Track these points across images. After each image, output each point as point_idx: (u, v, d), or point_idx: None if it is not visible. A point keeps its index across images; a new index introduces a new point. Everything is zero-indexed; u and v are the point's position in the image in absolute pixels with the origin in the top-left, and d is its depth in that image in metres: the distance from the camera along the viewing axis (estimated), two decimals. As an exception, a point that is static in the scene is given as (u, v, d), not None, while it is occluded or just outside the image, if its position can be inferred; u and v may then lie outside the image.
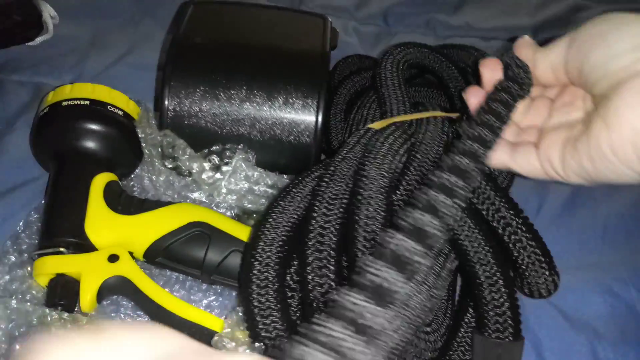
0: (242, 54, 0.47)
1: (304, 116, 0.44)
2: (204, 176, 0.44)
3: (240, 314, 0.35)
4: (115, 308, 0.40)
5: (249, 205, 0.44)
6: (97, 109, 0.43)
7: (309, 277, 0.33)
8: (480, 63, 0.35)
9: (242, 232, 0.40)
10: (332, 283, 0.32)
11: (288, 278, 0.35)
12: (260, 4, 0.58)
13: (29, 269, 0.40)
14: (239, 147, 0.44)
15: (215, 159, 0.44)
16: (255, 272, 0.33)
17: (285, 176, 0.46)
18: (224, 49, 0.47)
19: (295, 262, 0.35)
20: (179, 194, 0.45)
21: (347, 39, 0.65)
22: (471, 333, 0.33)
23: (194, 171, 0.44)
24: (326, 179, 0.36)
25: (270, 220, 0.35)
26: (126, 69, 0.58)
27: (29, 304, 0.37)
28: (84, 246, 0.39)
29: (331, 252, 0.34)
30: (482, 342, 0.31)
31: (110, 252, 0.39)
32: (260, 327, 0.31)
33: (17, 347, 0.34)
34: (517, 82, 0.33)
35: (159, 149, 0.44)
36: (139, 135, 0.44)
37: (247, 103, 0.44)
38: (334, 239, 0.34)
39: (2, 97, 0.54)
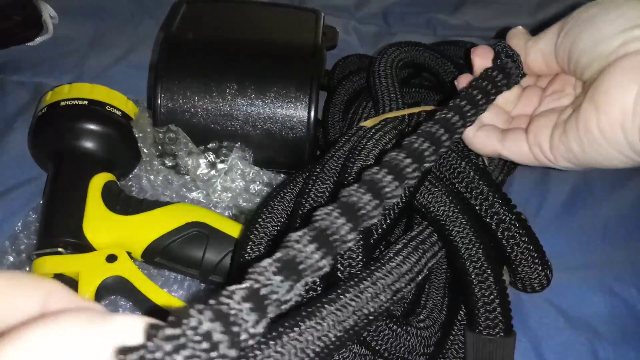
0: (234, 50, 0.47)
1: (296, 110, 0.44)
2: (199, 172, 0.44)
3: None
4: (113, 308, 0.40)
5: (244, 204, 0.44)
6: (95, 109, 0.43)
7: None
8: (472, 51, 0.35)
9: (239, 232, 0.40)
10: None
11: None
12: (254, 0, 0.58)
13: (28, 269, 0.40)
14: (236, 145, 0.44)
15: (212, 155, 0.44)
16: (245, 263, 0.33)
17: (281, 175, 0.46)
18: (216, 45, 0.47)
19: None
20: (177, 194, 0.45)
21: (347, 39, 0.65)
22: (463, 330, 0.33)
23: (190, 167, 0.44)
24: (313, 177, 0.36)
25: (260, 219, 0.35)
26: (126, 69, 0.58)
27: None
28: (82, 246, 0.39)
29: None
30: (474, 338, 0.31)
31: (108, 252, 0.39)
32: None
33: None
34: (505, 68, 0.33)
35: (159, 147, 0.44)
36: (137, 135, 0.44)
37: (240, 98, 0.44)
38: None
39: (2, 97, 0.54)
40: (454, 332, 0.34)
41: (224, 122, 0.44)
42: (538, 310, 0.42)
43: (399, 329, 0.32)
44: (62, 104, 0.43)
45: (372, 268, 0.30)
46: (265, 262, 0.17)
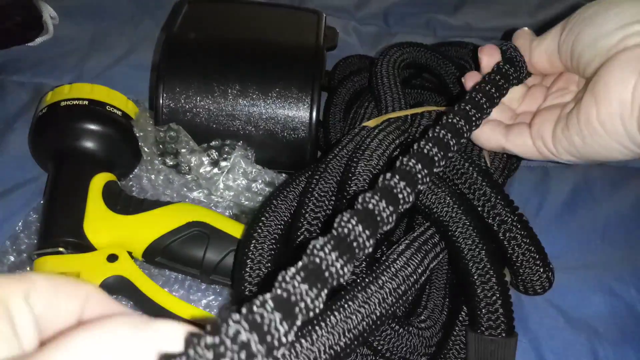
0: (235, 50, 0.47)
1: (298, 111, 0.45)
2: (201, 170, 0.44)
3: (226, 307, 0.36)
4: (114, 308, 0.40)
5: (246, 203, 0.44)
6: (95, 109, 0.43)
7: None
8: (479, 49, 0.36)
9: (240, 232, 0.40)
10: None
11: None
12: (256, 1, 0.58)
13: (28, 269, 0.40)
14: (239, 143, 0.44)
15: (214, 153, 0.44)
16: (247, 270, 0.33)
17: (283, 174, 0.46)
18: (218, 45, 0.47)
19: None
20: (178, 194, 0.45)
21: (347, 39, 0.65)
22: (465, 331, 0.33)
23: (192, 165, 0.44)
24: (317, 177, 0.36)
25: (263, 219, 0.35)
26: (126, 70, 0.58)
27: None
28: (83, 246, 0.39)
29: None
30: (476, 339, 0.31)
31: (109, 252, 0.39)
32: None
33: None
34: (511, 67, 0.34)
35: (160, 146, 0.44)
36: (137, 134, 0.44)
37: (242, 98, 0.44)
38: (325, 219, 0.34)
39: (2, 97, 0.54)
40: (455, 333, 0.34)
41: (225, 123, 0.45)
42: (538, 311, 0.42)
43: (400, 329, 0.32)
44: (63, 104, 0.43)
45: (378, 272, 0.30)
46: (291, 270, 0.17)
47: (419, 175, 0.25)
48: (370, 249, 0.21)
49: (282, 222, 0.36)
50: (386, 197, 0.22)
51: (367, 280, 0.29)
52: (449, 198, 0.34)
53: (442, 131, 0.28)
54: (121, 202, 0.41)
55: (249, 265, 0.33)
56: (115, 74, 0.57)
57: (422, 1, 0.71)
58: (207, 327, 0.14)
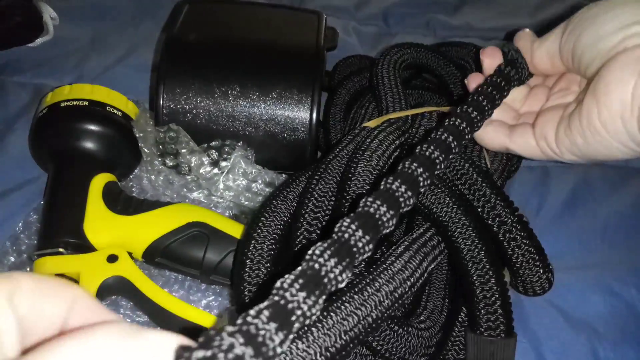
0: (236, 51, 0.47)
1: (298, 112, 0.45)
2: (201, 171, 0.44)
3: (234, 312, 0.35)
4: (114, 308, 0.40)
5: (246, 203, 0.44)
6: (95, 110, 0.43)
7: None
8: (481, 51, 0.37)
9: (240, 232, 0.40)
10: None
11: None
12: (256, 2, 0.58)
13: (29, 269, 0.40)
14: (238, 143, 0.44)
15: (214, 154, 0.44)
16: (246, 270, 0.33)
17: (283, 174, 0.46)
18: (218, 46, 0.47)
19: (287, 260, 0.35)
20: (178, 194, 0.45)
21: (347, 39, 0.65)
22: (464, 331, 0.33)
23: (193, 164, 0.44)
24: (317, 177, 0.36)
25: (263, 219, 0.36)
26: (126, 70, 0.58)
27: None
28: (83, 246, 0.39)
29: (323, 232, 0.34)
30: (475, 340, 0.31)
31: (109, 253, 0.39)
32: None
33: None
34: (513, 68, 0.35)
35: (160, 147, 0.44)
36: (137, 135, 0.44)
37: (242, 99, 0.44)
38: (325, 219, 0.34)
39: (3, 98, 0.54)
40: (454, 334, 0.34)
41: (225, 123, 0.45)
42: (538, 311, 0.42)
43: (400, 329, 0.32)
44: (63, 104, 0.43)
45: (375, 274, 0.30)
46: (289, 277, 0.17)
47: (420, 179, 0.25)
48: (369, 254, 0.21)
49: (282, 223, 0.36)
50: (387, 201, 0.22)
51: (364, 282, 0.29)
52: (448, 198, 0.34)
53: (444, 134, 0.28)
54: (121, 202, 0.41)
55: (248, 266, 0.33)
56: (115, 75, 0.57)
57: (422, 1, 0.71)
58: (200, 338, 0.14)
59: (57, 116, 0.43)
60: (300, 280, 0.17)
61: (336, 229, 0.20)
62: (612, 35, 0.29)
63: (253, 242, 0.34)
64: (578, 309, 0.42)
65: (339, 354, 0.26)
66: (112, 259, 0.39)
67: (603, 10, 0.31)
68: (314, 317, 0.17)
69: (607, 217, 0.48)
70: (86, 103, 0.43)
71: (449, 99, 0.49)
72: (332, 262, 0.18)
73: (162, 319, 0.38)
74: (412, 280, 0.31)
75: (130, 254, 0.40)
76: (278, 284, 0.17)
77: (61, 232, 0.39)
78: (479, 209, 0.34)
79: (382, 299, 0.29)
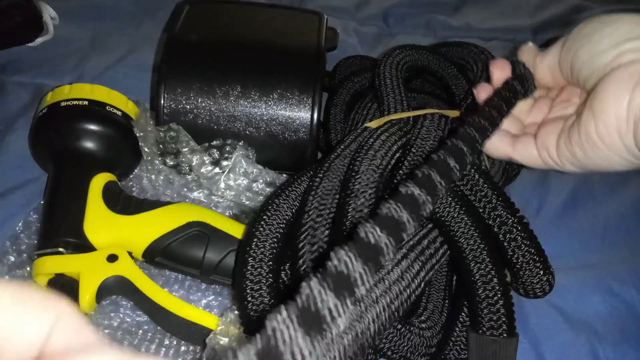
0: (237, 51, 0.47)
1: (299, 112, 0.45)
2: (203, 170, 0.44)
3: (235, 311, 0.35)
4: (114, 308, 0.40)
5: (247, 202, 0.44)
6: (95, 110, 0.43)
7: (302, 271, 0.33)
8: (491, 63, 0.38)
9: (240, 232, 0.40)
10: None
11: (282, 274, 0.35)
12: (257, 2, 0.58)
13: (29, 269, 0.40)
14: (239, 143, 0.45)
15: (215, 153, 0.44)
16: (248, 268, 0.33)
17: (284, 174, 0.46)
18: (219, 46, 0.47)
19: (289, 259, 0.35)
20: (178, 194, 0.45)
21: (347, 40, 0.65)
22: (466, 331, 0.33)
23: (194, 164, 0.44)
24: (320, 175, 0.36)
25: (265, 217, 0.36)
26: (126, 70, 0.58)
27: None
28: (83, 246, 0.39)
29: (324, 245, 0.34)
30: (477, 339, 0.32)
31: (109, 252, 0.39)
32: None
33: None
34: (521, 82, 0.36)
35: (160, 146, 0.44)
36: (138, 135, 0.44)
37: (243, 100, 0.44)
38: (326, 232, 0.34)
39: (3, 97, 0.54)
40: (455, 334, 0.34)
41: (226, 124, 0.45)
42: (538, 311, 0.42)
43: (402, 328, 0.32)
44: (63, 104, 0.43)
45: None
46: (315, 280, 0.17)
47: (439, 187, 0.26)
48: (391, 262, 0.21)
49: (284, 221, 0.36)
50: (409, 206, 0.23)
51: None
52: (450, 198, 0.35)
53: (460, 143, 0.29)
54: (121, 202, 0.41)
55: (250, 264, 0.33)
56: (115, 75, 0.57)
57: (422, 2, 0.71)
58: None
59: (57, 116, 0.43)
60: (329, 283, 0.17)
61: (359, 233, 0.20)
62: (607, 51, 0.30)
63: (255, 240, 0.34)
64: (578, 309, 0.42)
65: None
66: (112, 258, 0.39)
67: (599, 27, 0.32)
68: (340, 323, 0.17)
69: (607, 217, 0.48)
70: (86, 103, 0.43)
71: (450, 100, 0.49)
72: (359, 265, 0.18)
73: (162, 319, 0.38)
74: (410, 290, 0.31)
75: (130, 253, 0.40)
76: (269, 321, 0.16)
77: (61, 231, 0.39)
78: (480, 210, 0.34)
79: (379, 313, 0.29)
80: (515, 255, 0.33)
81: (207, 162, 0.44)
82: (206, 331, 0.37)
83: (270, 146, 0.45)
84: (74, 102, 0.43)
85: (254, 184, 0.44)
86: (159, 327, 0.39)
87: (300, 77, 0.45)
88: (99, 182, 0.42)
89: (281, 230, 0.35)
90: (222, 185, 0.44)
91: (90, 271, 0.38)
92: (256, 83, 0.45)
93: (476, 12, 0.71)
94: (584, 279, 0.44)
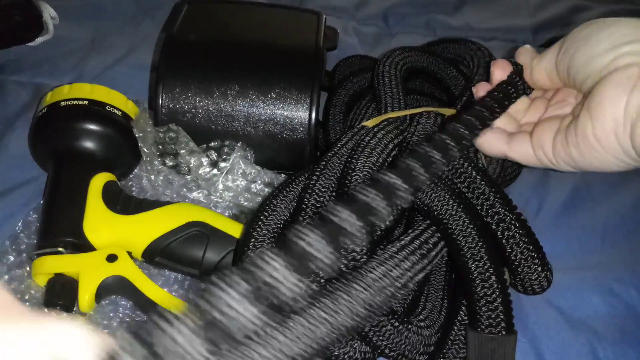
0: (235, 51, 0.47)
1: (297, 112, 0.45)
2: (201, 171, 0.44)
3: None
4: (113, 308, 0.40)
5: (245, 203, 0.44)
6: (95, 109, 0.43)
7: None
8: (492, 63, 0.38)
9: (240, 232, 0.40)
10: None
11: None
12: (256, 2, 0.58)
13: (28, 268, 0.40)
14: (238, 144, 0.45)
15: (214, 154, 0.44)
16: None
17: (282, 174, 0.46)
18: (218, 46, 0.47)
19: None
20: (178, 194, 0.45)
21: (347, 40, 0.65)
22: (464, 330, 0.33)
23: (191, 165, 0.44)
24: (317, 173, 0.37)
25: (262, 217, 0.36)
26: (126, 70, 0.58)
27: (27, 303, 0.37)
28: (83, 246, 0.39)
29: None
30: (476, 337, 0.32)
31: (108, 252, 0.39)
32: None
33: None
34: (518, 82, 0.37)
35: (160, 147, 0.44)
36: (137, 135, 0.44)
37: (241, 99, 0.44)
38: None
39: (2, 97, 0.54)
40: (454, 332, 0.34)
41: (224, 123, 0.45)
42: (538, 311, 0.42)
43: (400, 326, 0.32)
44: (63, 104, 0.43)
45: (351, 279, 0.29)
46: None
47: (436, 163, 0.27)
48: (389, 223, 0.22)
49: (282, 222, 0.36)
50: (403, 175, 0.24)
51: (339, 285, 0.29)
52: (448, 196, 0.35)
53: (461, 128, 0.30)
54: (121, 202, 0.41)
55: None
56: (115, 74, 0.57)
57: (422, 1, 0.71)
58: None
59: (56, 116, 0.43)
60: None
61: (327, 214, 0.20)
62: (604, 54, 0.31)
63: (253, 240, 0.34)
64: (578, 309, 0.42)
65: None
66: (111, 258, 0.39)
67: (596, 30, 0.32)
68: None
69: (606, 217, 0.48)
70: (86, 102, 0.43)
71: (450, 101, 0.49)
72: (324, 246, 0.19)
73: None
74: (403, 279, 0.31)
75: (129, 253, 0.40)
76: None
77: (61, 231, 0.39)
78: (477, 207, 0.34)
79: (371, 296, 0.28)
80: (514, 253, 0.33)
81: (205, 163, 0.44)
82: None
83: (269, 146, 0.45)
84: (74, 102, 0.43)
85: (252, 185, 0.44)
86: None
87: (299, 76, 0.45)
88: (98, 181, 0.42)
89: (278, 231, 0.35)
90: (221, 186, 0.44)
91: (89, 271, 0.38)
92: (254, 82, 0.45)
93: (476, 12, 0.71)
94: (583, 279, 0.44)
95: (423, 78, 0.52)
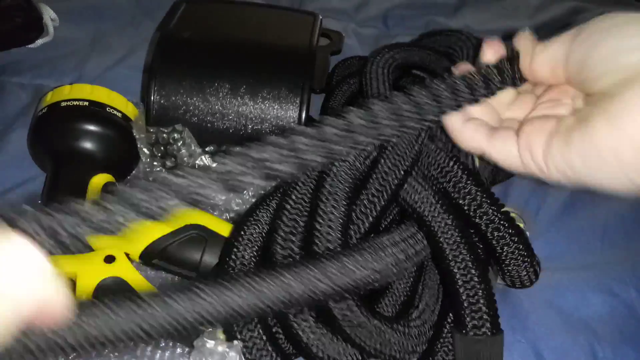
0: (228, 49, 0.47)
1: (287, 112, 0.45)
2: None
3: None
4: (111, 309, 0.40)
5: (237, 208, 0.44)
6: (95, 110, 0.43)
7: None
8: (485, 41, 0.33)
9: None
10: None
11: None
12: (253, 2, 0.58)
13: (26, 269, 0.40)
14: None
15: (207, 159, 0.44)
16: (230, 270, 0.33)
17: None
18: (210, 45, 0.48)
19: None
20: (176, 195, 0.45)
21: (347, 41, 0.65)
22: (451, 331, 0.33)
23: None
24: (296, 180, 0.36)
25: (245, 227, 0.36)
26: (126, 71, 0.58)
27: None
28: (81, 246, 0.39)
29: (298, 243, 0.34)
30: (462, 340, 0.31)
31: (106, 253, 0.39)
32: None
33: None
34: (508, 69, 0.32)
35: (161, 148, 0.44)
36: (137, 136, 0.44)
37: (232, 97, 0.44)
38: (300, 230, 0.34)
39: (2, 98, 0.54)
40: (443, 334, 0.33)
41: (215, 121, 0.45)
42: (537, 311, 0.42)
43: (389, 329, 0.32)
44: (63, 104, 0.43)
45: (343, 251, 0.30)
46: None
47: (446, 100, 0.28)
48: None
49: (265, 231, 0.36)
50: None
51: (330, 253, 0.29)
52: (432, 196, 0.34)
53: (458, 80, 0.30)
54: (119, 203, 0.41)
55: (231, 266, 0.33)
56: (115, 76, 0.58)
57: (421, 3, 0.71)
58: None
59: (56, 116, 0.43)
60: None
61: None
62: (632, 51, 0.26)
63: (235, 250, 0.35)
64: (577, 310, 0.42)
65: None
66: (109, 259, 0.39)
67: (625, 22, 0.27)
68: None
69: (606, 217, 0.48)
70: (86, 103, 0.43)
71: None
72: None
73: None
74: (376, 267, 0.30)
75: (127, 255, 0.40)
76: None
77: (59, 232, 0.39)
78: (465, 208, 0.34)
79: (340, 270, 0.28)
80: (504, 252, 0.33)
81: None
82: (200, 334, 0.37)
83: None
84: (74, 103, 0.43)
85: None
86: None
87: (289, 76, 0.45)
88: (97, 182, 0.42)
89: (261, 239, 0.35)
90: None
91: (87, 272, 0.38)
92: (245, 81, 0.45)
93: (475, 14, 0.71)
94: (583, 280, 0.44)
95: (414, 74, 0.51)
